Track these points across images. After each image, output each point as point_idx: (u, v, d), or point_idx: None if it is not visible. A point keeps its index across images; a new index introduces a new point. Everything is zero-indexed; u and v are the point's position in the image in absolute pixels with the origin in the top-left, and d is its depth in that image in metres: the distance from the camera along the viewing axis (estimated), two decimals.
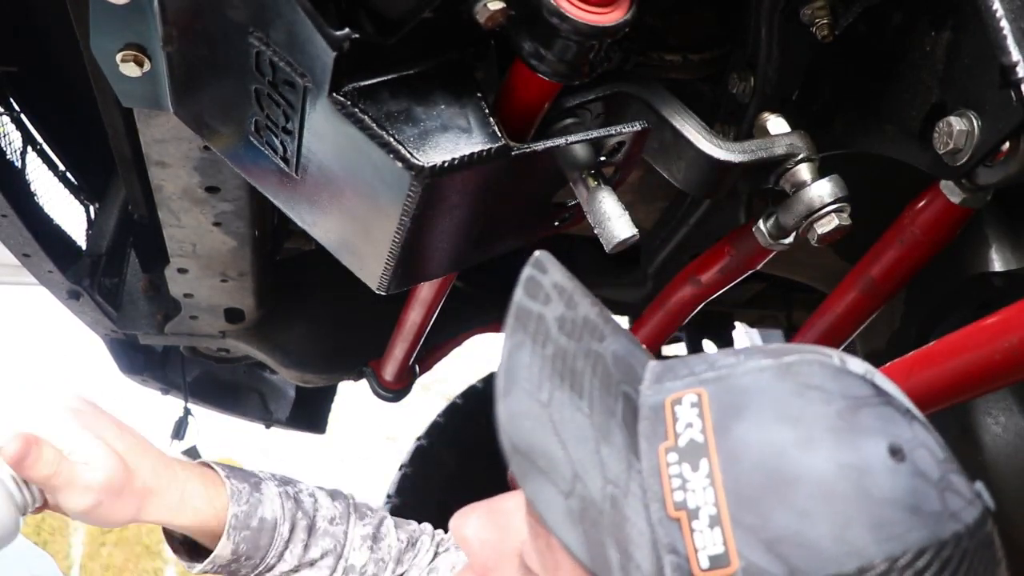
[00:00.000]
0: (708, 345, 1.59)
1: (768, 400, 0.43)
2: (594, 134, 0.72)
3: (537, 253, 0.50)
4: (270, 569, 0.78)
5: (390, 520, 0.85)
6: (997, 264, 0.76)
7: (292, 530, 0.78)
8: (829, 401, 0.43)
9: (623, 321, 1.44)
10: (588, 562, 0.41)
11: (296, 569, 0.79)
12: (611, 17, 0.62)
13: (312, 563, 0.80)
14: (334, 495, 0.85)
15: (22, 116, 1.08)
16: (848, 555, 0.39)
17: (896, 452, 0.41)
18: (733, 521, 0.40)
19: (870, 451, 0.41)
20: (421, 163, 0.62)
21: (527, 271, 0.48)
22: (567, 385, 0.45)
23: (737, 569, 0.39)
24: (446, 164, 0.63)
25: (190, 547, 0.78)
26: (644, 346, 0.52)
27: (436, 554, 0.84)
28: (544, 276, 0.49)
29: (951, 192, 0.69)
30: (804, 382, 0.44)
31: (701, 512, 0.41)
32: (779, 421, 0.42)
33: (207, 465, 0.78)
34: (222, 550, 0.74)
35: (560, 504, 0.41)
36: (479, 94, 0.67)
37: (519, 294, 0.47)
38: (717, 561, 0.40)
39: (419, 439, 2.17)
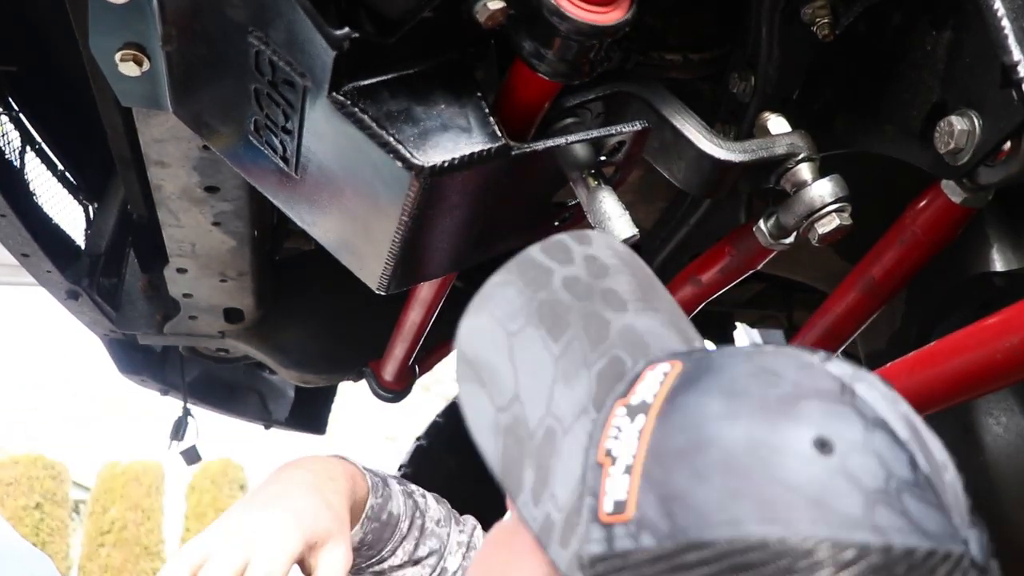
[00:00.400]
0: (707, 345, 1.59)
1: (723, 376, 0.44)
2: (594, 134, 0.72)
3: (593, 232, 0.52)
4: (382, 561, 0.80)
5: (479, 530, 0.87)
6: (998, 264, 0.76)
7: (409, 527, 0.80)
8: (776, 385, 0.42)
9: None
10: (499, 472, 0.44)
11: (403, 565, 0.81)
12: (611, 17, 0.62)
13: (418, 561, 0.81)
14: (437, 499, 0.87)
15: (21, 116, 1.08)
16: (726, 524, 0.38)
17: (823, 445, 0.39)
18: (643, 473, 0.41)
19: (791, 435, 0.40)
20: (421, 163, 0.62)
21: (561, 236, 0.51)
22: (544, 327, 0.47)
23: (631, 518, 0.40)
24: (446, 164, 0.63)
25: None
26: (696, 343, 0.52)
27: None
28: (579, 246, 0.51)
29: (952, 192, 0.69)
30: (763, 365, 0.44)
31: (620, 461, 0.42)
32: (720, 393, 0.42)
33: (341, 457, 0.81)
34: (352, 536, 0.75)
35: (490, 414, 0.44)
36: (479, 94, 0.67)
37: (533, 248, 0.50)
38: (618, 507, 0.41)
39: (419, 439, 2.17)
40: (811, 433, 0.40)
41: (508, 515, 0.52)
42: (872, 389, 0.43)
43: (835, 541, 0.38)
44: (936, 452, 0.42)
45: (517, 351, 0.46)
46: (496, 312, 0.47)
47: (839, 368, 0.44)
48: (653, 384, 0.45)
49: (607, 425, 0.44)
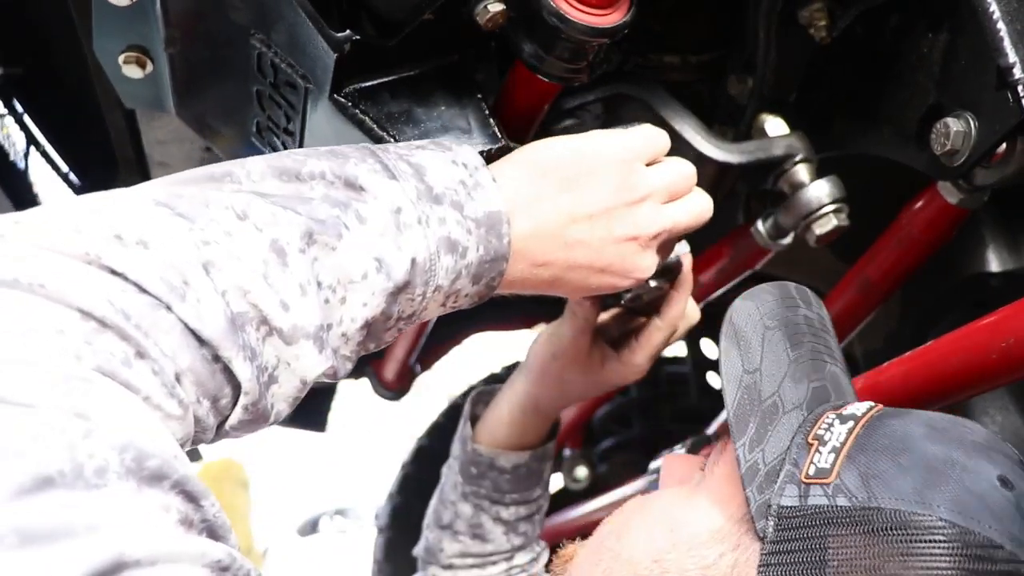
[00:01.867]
0: (707, 344, 1.59)
1: (923, 416, 0.53)
2: None
3: (809, 294, 0.63)
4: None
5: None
6: (994, 264, 0.76)
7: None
8: (971, 433, 0.51)
9: None
10: (732, 414, 0.53)
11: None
12: (610, 19, 0.63)
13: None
14: None
15: (25, 117, 1.09)
16: (918, 503, 0.45)
17: (1005, 482, 0.47)
18: (848, 455, 0.49)
19: (982, 466, 0.48)
20: None
21: (807, 290, 0.63)
22: (787, 337, 0.58)
23: (832, 482, 0.48)
24: None
25: None
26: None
27: None
28: (816, 302, 0.63)
29: (948, 193, 0.69)
30: (957, 420, 0.53)
31: (829, 444, 0.50)
32: (921, 424, 0.51)
33: None
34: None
35: (738, 368, 0.55)
36: (479, 95, 0.67)
37: (791, 284, 0.63)
38: (821, 473, 0.49)
39: (420, 439, 2.17)
40: (997, 471, 0.48)
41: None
42: None
43: (1011, 552, 0.44)
44: None
45: (767, 341, 0.57)
46: (761, 308, 0.59)
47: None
48: (861, 408, 0.54)
49: (819, 421, 0.53)
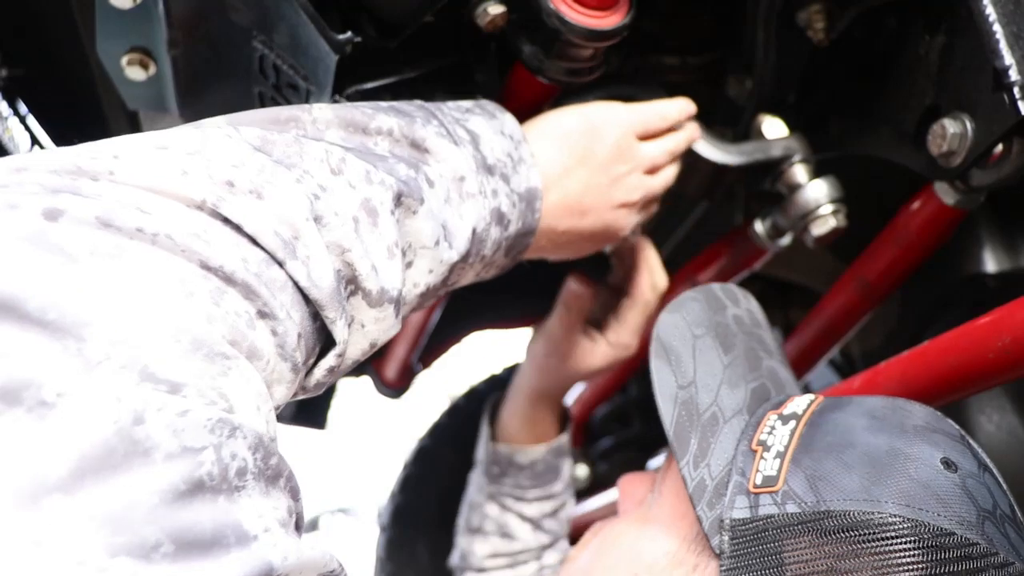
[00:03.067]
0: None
1: (864, 405, 0.53)
2: None
3: (736, 290, 0.64)
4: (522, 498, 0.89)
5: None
6: (990, 265, 0.76)
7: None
8: (911, 418, 0.51)
9: None
10: (671, 433, 0.52)
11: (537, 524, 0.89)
12: (610, 21, 0.63)
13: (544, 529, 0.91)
14: None
15: (28, 119, 1.09)
16: (866, 501, 0.45)
17: (948, 464, 0.48)
18: (792, 459, 0.49)
19: (925, 451, 0.48)
20: None
21: (732, 286, 0.64)
22: (719, 342, 0.58)
23: (780, 490, 0.48)
24: None
25: None
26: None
27: None
28: (744, 298, 0.63)
29: (945, 194, 0.69)
30: (898, 404, 0.53)
31: (772, 449, 0.50)
32: (863, 414, 0.52)
33: None
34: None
35: (672, 387, 0.54)
36: (480, 97, 0.68)
37: (715, 285, 0.63)
38: (768, 481, 0.49)
39: (421, 439, 2.18)
40: (940, 454, 0.48)
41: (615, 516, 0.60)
42: (979, 447, 0.52)
43: (962, 536, 0.44)
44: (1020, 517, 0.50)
45: (698, 350, 0.56)
46: (687, 317, 0.58)
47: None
48: (802, 403, 0.54)
49: (761, 425, 0.53)
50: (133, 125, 0.93)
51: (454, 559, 0.96)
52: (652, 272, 0.80)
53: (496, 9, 0.63)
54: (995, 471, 0.50)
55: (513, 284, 0.86)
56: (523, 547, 0.89)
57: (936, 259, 0.75)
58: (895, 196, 0.75)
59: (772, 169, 0.77)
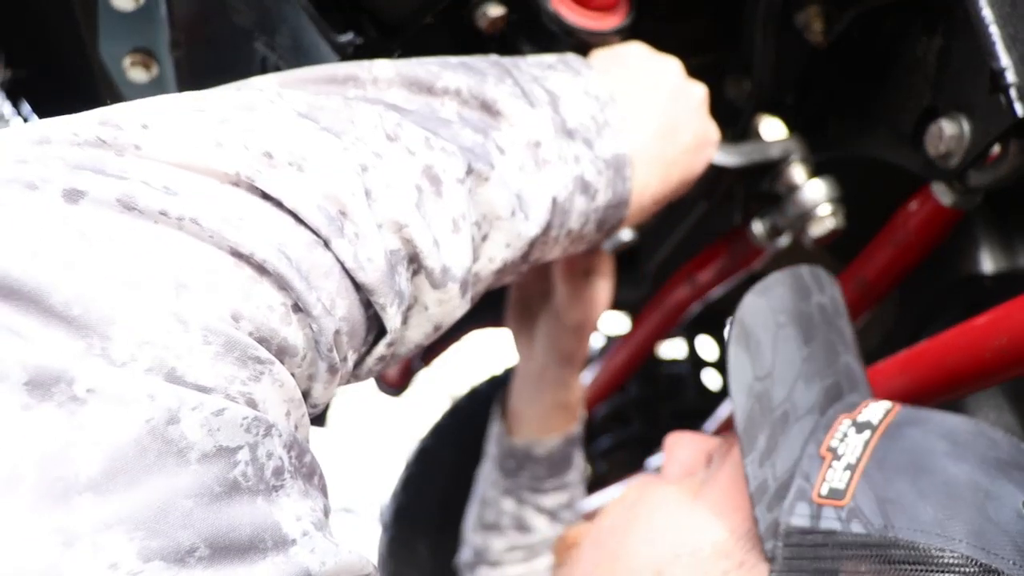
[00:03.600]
0: (705, 343, 1.60)
1: (945, 425, 0.49)
2: None
3: (823, 274, 0.61)
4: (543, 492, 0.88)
5: None
6: (987, 265, 0.77)
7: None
8: (996, 449, 0.48)
9: (623, 320, 1.45)
10: (741, 427, 0.49)
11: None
12: (609, 23, 0.64)
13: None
14: None
15: (32, 119, 1.09)
16: (938, 536, 0.42)
17: None
18: (864, 474, 0.46)
19: (1007, 490, 0.44)
20: None
21: (819, 270, 0.60)
22: (800, 332, 0.54)
23: (846, 505, 0.45)
24: None
25: None
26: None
27: None
28: (829, 283, 0.60)
29: (942, 194, 0.70)
30: (982, 430, 0.50)
31: (843, 459, 0.47)
32: (944, 437, 0.48)
33: None
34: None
35: (748, 377, 0.51)
36: None
37: (802, 267, 0.59)
38: (834, 494, 0.45)
39: (422, 439, 2.18)
40: (1022, 496, 0.44)
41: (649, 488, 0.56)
42: None
43: None
44: None
45: (779, 340, 0.53)
46: (772, 303, 0.55)
47: None
48: (878, 411, 0.51)
49: (833, 429, 0.49)
50: None
51: (465, 556, 0.95)
52: None
53: (496, 11, 0.63)
54: None
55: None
56: (541, 538, 0.88)
57: (933, 259, 0.76)
58: (893, 196, 0.75)
59: (771, 169, 0.78)
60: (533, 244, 0.48)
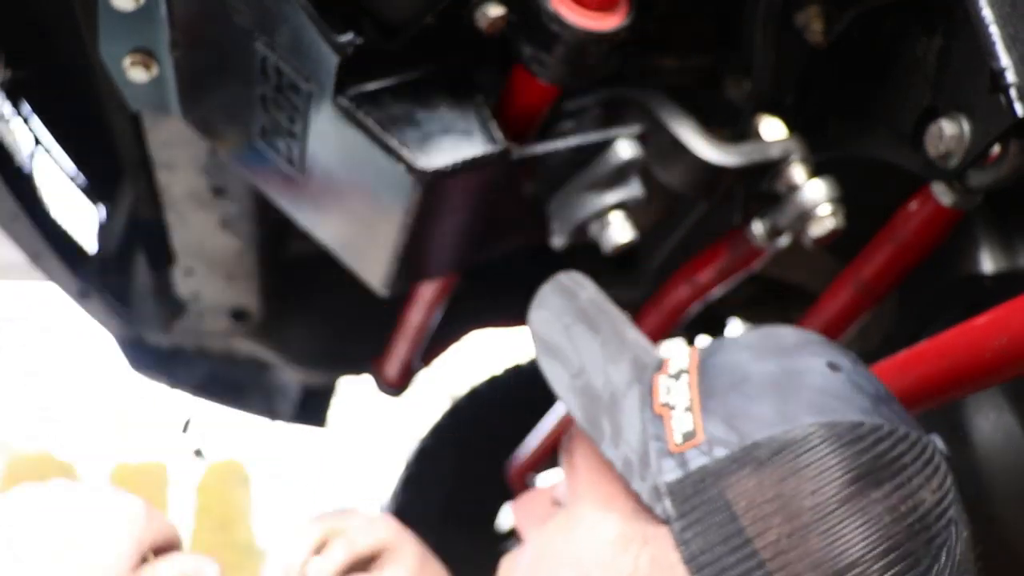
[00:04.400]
0: (704, 341, 1.60)
1: (738, 342, 0.56)
2: (593, 138, 0.73)
3: (577, 276, 0.65)
4: None
5: None
6: (987, 265, 0.77)
7: None
8: (782, 339, 0.55)
9: None
10: (585, 424, 0.53)
11: None
12: (609, 23, 0.64)
13: None
14: None
15: (31, 119, 1.10)
16: (784, 422, 0.49)
17: (833, 366, 0.52)
18: (702, 408, 0.51)
19: (809, 362, 0.52)
20: (423, 166, 0.64)
21: (574, 273, 0.65)
22: (586, 324, 0.60)
23: (702, 440, 0.50)
24: (448, 167, 0.65)
25: None
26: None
27: None
28: (586, 283, 0.65)
29: (942, 194, 0.70)
30: (765, 332, 0.57)
31: (679, 406, 0.52)
32: (742, 349, 0.55)
33: None
34: None
35: (566, 379, 0.56)
36: (480, 98, 0.68)
37: (559, 275, 0.64)
38: (687, 436, 0.50)
39: (422, 439, 2.18)
40: (822, 360, 0.52)
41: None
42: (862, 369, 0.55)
43: (872, 424, 0.48)
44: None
45: (573, 336, 0.59)
46: (552, 309, 0.61)
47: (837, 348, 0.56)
48: (682, 359, 0.57)
49: (655, 389, 0.55)
50: (135, 126, 0.93)
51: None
52: None
53: (496, 11, 0.63)
54: (859, 362, 0.55)
55: (513, 282, 0.86)
56: None
57: (933, 259, 0.76)
58: (893, 197, 0.75)
59: (770, 170, 0.78)
60: None
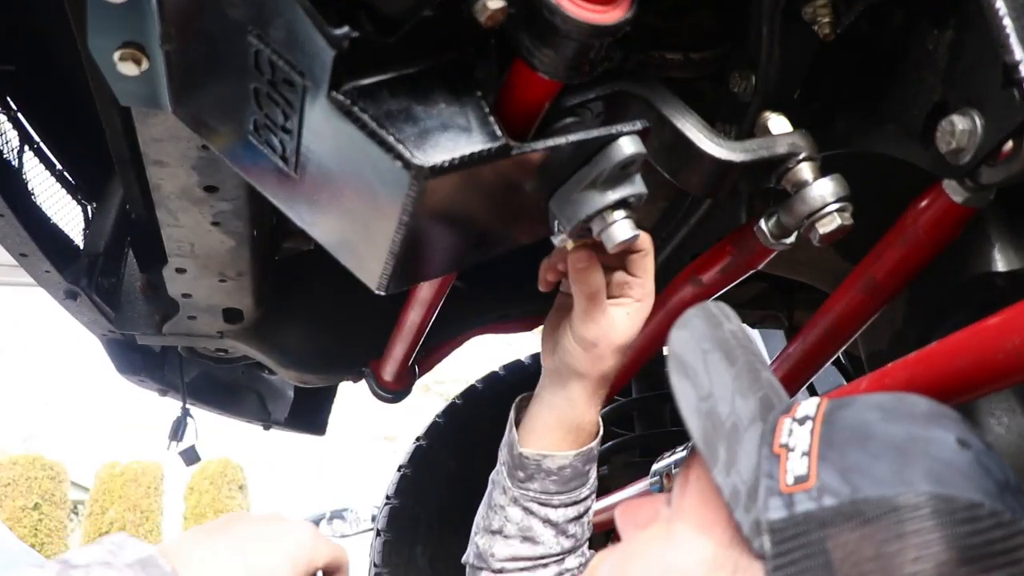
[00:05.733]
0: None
1: (870, 401, 0.56)
2: (594, 133, 0.72)
3: (725, 307, 0.68)
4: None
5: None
6: (1000, 264, 0.76)
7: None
8: (917, 407, 0.54)
9: None
10: (701, 444, 0.55)
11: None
12: (611, 16, 0.62)
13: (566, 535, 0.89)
14: None
15: (19, 115, 1.08)
16: (900, 484, 0.49)
17: (963, 443, 0.51)
18: (819, 456, 0.52)
19: (939, 434, 0.51)
20: (421, 162, 0.62)
21: (722, 305, 0.68)
22: (723, 354, 0.62)
23: (813, 486, 0.50)
24: (446, 163, 0.63)
25: None
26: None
27: None
28: (732, 317, 0.67)
29: (954, 191, 0.69)
30: (900, 397, 0.56)
31: (797, 449, 0.53)
32: (872, 409, 0.55)
33: None
34: None
35: (693, 399, 0.58)
36: (479, 93, 0.67)
37: (709, 302, 0.67)
38: (800, 480, 0.51)
39: (418, 440, 2.17)
40: (953, 435, 0.51)
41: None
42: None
43: (992, 507, 0.47)
44: None
45: (709, 363, 0.60)
46: (694, 332, 0.63)
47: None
48: (811, 406, 0.57)
49: (778, 429, 0.55)
50: (125, 121, 0.92)
51: (469, 557, 0.95)
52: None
53: (496, 4, 0.62)
54: (992, 447, 0.53)
55: (512, 285, 0.85)
56: (545, 552, 0.88)
57: (944, 258, 0.75)
58: (902, 194, 0.74)
59: (777, 166, 0.76)
60: None
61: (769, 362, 0.67)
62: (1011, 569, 0.47)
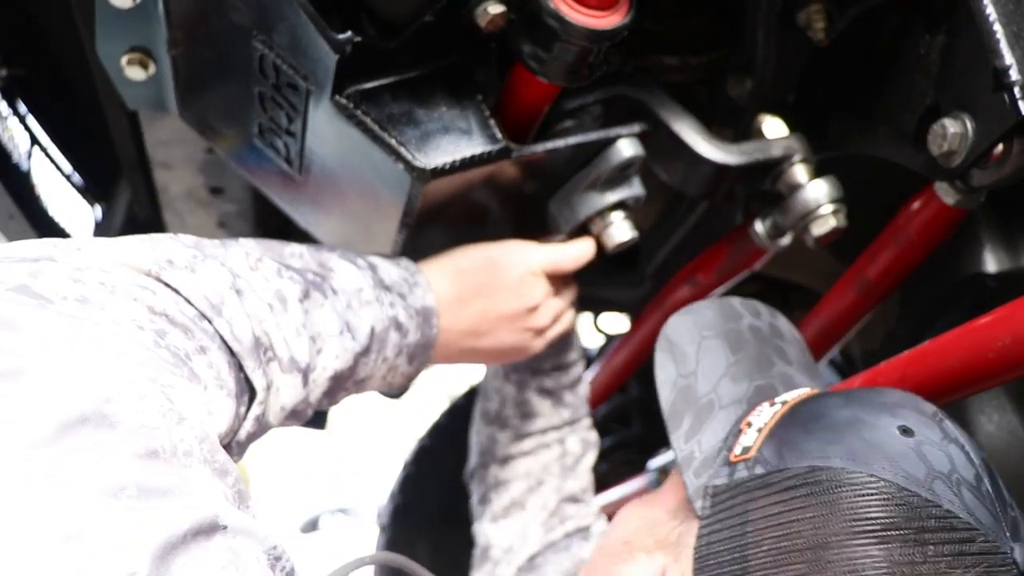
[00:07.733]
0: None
1: (848, 392, 0.58)
2: (593, 136, 0.73)
3: (758, 305, 0.71)
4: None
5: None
6: (990, 265, 0.76)
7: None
8: (885, 397, 0.56)
9: (623, 320, 1.45)
10: (666, 412, 0.61)
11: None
12: (610, 21, 0.63)
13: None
14: None
15: (28, 118, 1.09)
16: (817, 457, 0.51)
17: (906, 430, 0.52)
18: (769, 432, 0.55)
19: (884, 420, 0.53)
20: (422, 164, 0.63)
21: (757, 303, 0.71)
22: (727, 343, 0.64)
23: (752, 456, 0.54)
24: (447, 165, 0.64)
25: None
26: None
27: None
28: (769, 314, 0.70)
29: (945, 193, 0.69)
30: (881, 390, 0.58)
31: (755, 425, 0.57)
32: (840, 396, 0.57)
33: None
34: None
35: (672, 376, 0.62)
36: (480, 96, 0.68)
37: (735, 298, 0.70)
38: (744, 450, 0.55)
39: (421, 439, 2.18)
40: (899, 422, 0.52)
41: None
42: (960, 430, 0.55)
43: (900, 486, 0.48)
44: (1006, 496, 0.51)
45: (704, 347, 0.64)
46: (698, 321, 0.66)
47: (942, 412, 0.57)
48: (795, 394, 0.60)
49: (753, 409, 0.59)
50: (132, 124, 0.93)
51: (470, 466, 0.98)
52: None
53: (496, 9, 0.63)
54: (970, 451, 0.53)
55: None
56: (546, 424, 0.89)
57: (936, 259, 0.75)
58: (895, 196, 0.75)
59: (772, 169, 0.77)
60: (357, 361, 0.62)
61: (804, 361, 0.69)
62: (914, 549, 0.47)
